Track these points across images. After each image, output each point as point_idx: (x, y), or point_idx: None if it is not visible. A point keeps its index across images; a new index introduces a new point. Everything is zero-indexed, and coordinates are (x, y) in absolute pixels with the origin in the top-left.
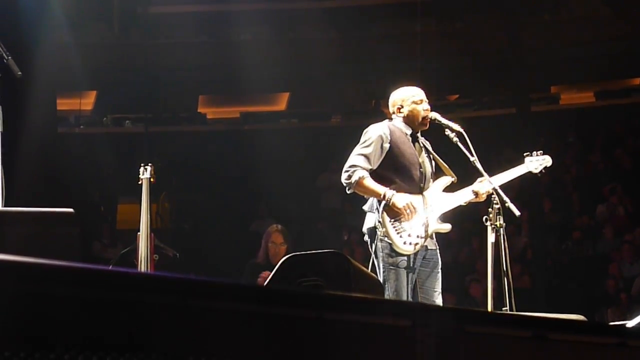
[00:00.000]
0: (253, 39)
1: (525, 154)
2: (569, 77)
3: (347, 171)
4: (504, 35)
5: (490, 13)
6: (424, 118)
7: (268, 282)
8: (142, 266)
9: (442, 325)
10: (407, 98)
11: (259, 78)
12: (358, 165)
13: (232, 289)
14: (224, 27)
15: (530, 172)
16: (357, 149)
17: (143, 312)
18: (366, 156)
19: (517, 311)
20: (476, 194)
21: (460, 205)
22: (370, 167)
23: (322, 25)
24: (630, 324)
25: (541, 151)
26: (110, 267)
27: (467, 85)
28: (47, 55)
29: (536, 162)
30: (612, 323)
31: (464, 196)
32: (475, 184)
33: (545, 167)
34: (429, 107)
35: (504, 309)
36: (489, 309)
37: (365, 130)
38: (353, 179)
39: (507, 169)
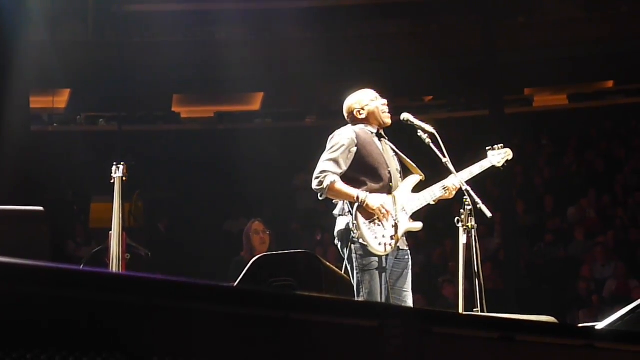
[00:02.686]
0: (228, 39)
1: (487, 148)
2: (543, 79)
3: (317, 177)
4: (478, 37)
5: (465, 15)
6: (384, 112)
7: (238, 282)
8: (114, 265)
9: (409, 326)
10: (363, 99)
11: (234, 77)
12: (328, 170)
13: (196, 289)
14: (199, 27)
15: (493, 166)
16: (326, 155)
17: (107, 311)
18: (335, 160)
19: (488, 312)
20: (446, 189)
21: (431, 205)
22: (340, 170)
23: (297, 26)
24: (599, 325)
25: (502, 144)
26: (82, 266)
27: (441, 87)
28: (21, 53)
29: (498, 156)
30: (581, 325)
31: (433, 193)
32: (440, 183)
33: (508, 161)
34: (385, 101)
35: (475, 310)
36: (460, 310)
37: (331, 136)
38: (325, 184)
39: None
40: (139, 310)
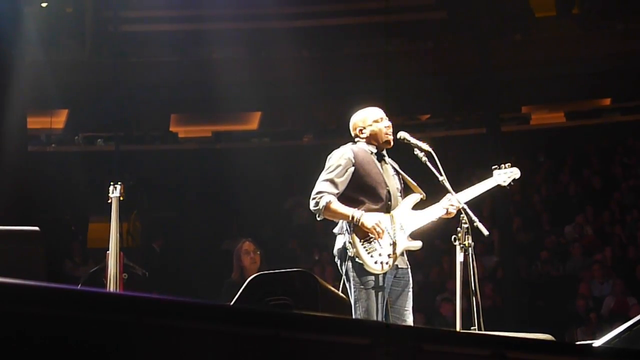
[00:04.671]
0: (225, 58)
1: (493, 167)
2: (540, 97)
3: (314, 198)
4: (475, 55)
5: (462, 33)
6: (387, 134)
7: (235, 301)
8: (111, 285)
9: (401, 344)
10: (367, 118)
11: (231, 97)
12: (324, 190)
13: (187, 308)
14: (196, 46)
15: (499, 185)
16: (323, 175)
17: (99, 329)
18: (332, 181)
19: (486, 330)
20: (446, 210)
21: (432, 223)
22: (337, 191)
23: (294, 45)
24: (596, 343)
25: (509, 164)
26: (79, 286)
27: (438, 105)
28: (18, 73)
29: (504, 175)
30: (578, 342)
31: (434, 213)
32: (444, 199)
33: (514, 180)
34: (390, 123)
35: (472, 328)
36: (458, 328)
37: (329, 156)
38: (321, 205)
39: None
40: (130, 329)
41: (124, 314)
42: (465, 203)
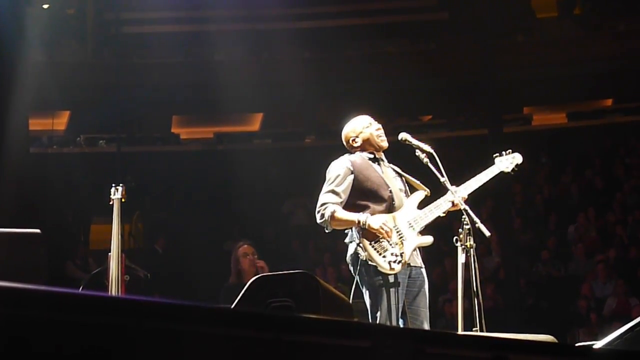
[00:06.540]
0: (227, 60)
1: (494, 155)
2: (542, 98)
3: (319, 211)
4: (476, 56)
5: (464, 34)
6: (379, 137)
7: (236, 304)
8: (113, 287)
9: (402, 346)
10: (357, 127)
11: (233, 98)
12: (327, 201)
13: (187, 311)
14: (198, 48)
15: (502, 172)
16: (324, 188)
17: (100, 333)
18: (333, 191)
19: (488, 331)
20: (452, 202)
21: (430, 225)
22: (340, 200)
23: (296, 46)
24: (598, 344)
25: (510, 150)
26: (81, 288)
27: (440, 106)
28: (20, 75)
29: (506, 161)
30: (580, 343)
31: (441, 207)
32: (449, 193)
33: (517, 165)
34: (380, 126)
35: (474, 329)
36: (460, 329)
37: (328, 169)
38: (326, 216)
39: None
40: (130, 332)
41: (125, 317)
42: (469, 195)
